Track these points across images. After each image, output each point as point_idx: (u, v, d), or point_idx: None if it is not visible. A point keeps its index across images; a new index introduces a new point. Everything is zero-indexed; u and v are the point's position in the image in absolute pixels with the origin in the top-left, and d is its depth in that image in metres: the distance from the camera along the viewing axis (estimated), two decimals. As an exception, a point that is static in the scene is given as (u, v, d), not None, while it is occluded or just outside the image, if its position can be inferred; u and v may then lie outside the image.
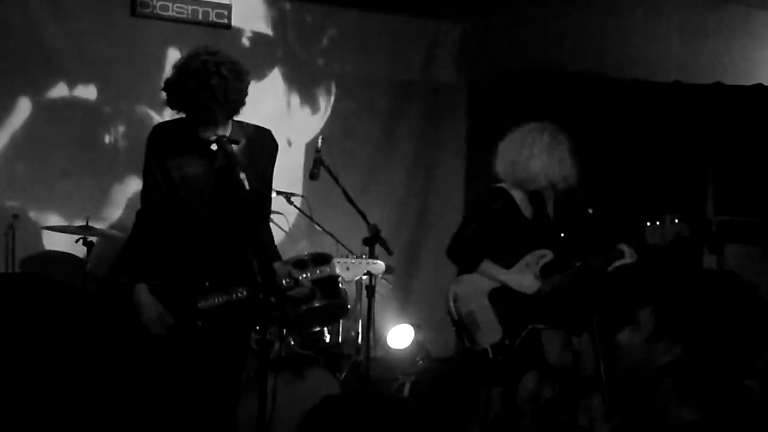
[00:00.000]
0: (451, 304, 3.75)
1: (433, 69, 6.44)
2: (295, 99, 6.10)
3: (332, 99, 6.19)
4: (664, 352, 1.73)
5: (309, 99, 6.14)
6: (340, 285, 4.46)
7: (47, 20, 5.34)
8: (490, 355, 3.66)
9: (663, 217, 3.72)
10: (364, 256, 3.46)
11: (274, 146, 3.40)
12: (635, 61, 6.89)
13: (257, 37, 5.94)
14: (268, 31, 5.99)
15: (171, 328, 3.21)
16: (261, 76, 5.88)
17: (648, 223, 3.70)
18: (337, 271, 3.32)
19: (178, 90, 3.10)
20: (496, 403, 3.81)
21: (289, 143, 6.02)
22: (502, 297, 3.71)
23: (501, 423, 3.87)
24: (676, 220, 3.69)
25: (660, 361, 1.74)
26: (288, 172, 5.82)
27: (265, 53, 5.95)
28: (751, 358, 1.74)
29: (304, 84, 6.11)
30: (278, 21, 6.01)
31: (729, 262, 5.65)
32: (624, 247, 3.71)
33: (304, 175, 5.81)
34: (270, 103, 5.88)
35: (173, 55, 5.58)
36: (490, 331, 3.68)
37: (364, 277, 4.05)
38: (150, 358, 3.25)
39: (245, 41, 5.92)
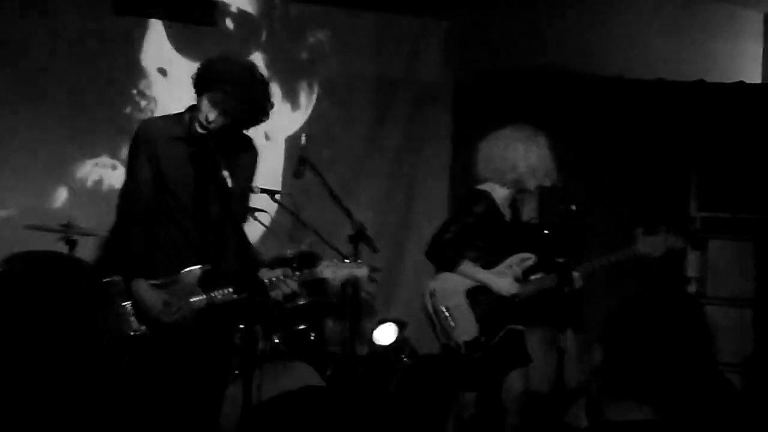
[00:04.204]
0: (428, 299, 3.76)
1: (418, 67, 6.43)
2: (277, 92, 6.07)
3: (314, 96, 6.17)
4: (632, 410, 1.73)
5: (291, 93, 6.10)
6: (326, 283, 4.46)
7: (27, 14, 5.29)
8: (463, 351, 3.67)
9: (657, 228, 3.73)
10: (347, 260, 3.46)
11: (254, 154, 3.43)
12: (618, 58, 6.92)
13: (242, 17, 5.89)
14: (252, 11, 5.95)
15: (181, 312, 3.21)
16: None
17: (641, 233, 3.71)
18: (324, 274, 3.33)
19: (252, 89, 3.16)
20: (469, 404, 3.82)
21: (267, 137, 5.98)
22: (480, 295, 3.72)
23: (479, 423, 3.88)
24: (671, 232, 3.70)
25: (627, 417, 1.72)
26: (266, 166, 5.79)
27: (248, 36, 5.90)
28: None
29: (286, 77, 6.07)
30: (265, 11, 5.98)
31: (712, 258, 5.70)
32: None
33: (284, 171, 5.78)
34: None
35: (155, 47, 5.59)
36: (465, 328, 3.69)
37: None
38: (139, 356, 3.25)
39: (229, 23, 5.88)
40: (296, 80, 6.12)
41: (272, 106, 3.28)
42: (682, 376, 1.69)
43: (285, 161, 5.91)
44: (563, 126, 5.98)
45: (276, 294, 3.24)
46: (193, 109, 3.28)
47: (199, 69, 3.21)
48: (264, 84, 3.25)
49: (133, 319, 3.24)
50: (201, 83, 3.17)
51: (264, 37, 5.99)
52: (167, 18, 5.60)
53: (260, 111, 3.22)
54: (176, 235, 3.28)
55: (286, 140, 6.01)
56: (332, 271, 3.35)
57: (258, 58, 5.93)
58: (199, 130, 3.18)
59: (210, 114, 3.14)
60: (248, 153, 3.40)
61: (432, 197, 6.44)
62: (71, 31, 5.38)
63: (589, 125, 6.22)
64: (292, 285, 3.23)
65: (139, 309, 3.22)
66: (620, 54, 6.97)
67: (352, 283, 4.04)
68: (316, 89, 6.17)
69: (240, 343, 4.21)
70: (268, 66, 5.98)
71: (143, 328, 3.24)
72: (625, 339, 1.72)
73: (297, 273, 3.27)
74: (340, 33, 6.18)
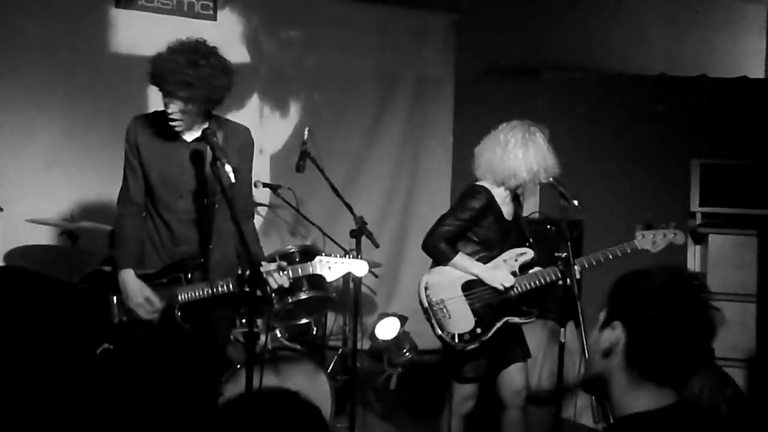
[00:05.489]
0: (422, 292, 3.75)
1: (420, 61, 6.43)
2: (267, 110, 6.04)
3: (301, 106, 6.12)
4: (608, 337, 1.79)
5: (281, 106, 6.07)
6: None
7: (28, 10, 5.29)
8: (456, 341, 3.67)
9: (656, 225, 3.72)
10: (348, 256, 3.42)
11: (251, 144, 3.43)
12: (621, 53, 6.92)
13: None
14: (247, 58, 5.89)
15: (161, 313, 3.22)
16: (240, 105, 5.74)
17: (640, 230, 3.70)
18: (318, 270, 3.30)
19: (166, 62, 3.13)
20: (468, 398, 3.82)
21: (261, 151, 5.98)
22: (476, 288, 3.72)
23: (478, 417, 3.88)
24: (671, 229, 3.70)
25: (605, 344, 1.79)
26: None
27: (245, 83, 5.85)
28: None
29: (278, 94, 6.02)
30: (256, 53, 5.93)
31: (712, 252, 5.70)
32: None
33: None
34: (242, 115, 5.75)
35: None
36: (460, 321, 3.69)
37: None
38: (131, 348, 3.26)
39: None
40: (287, 94, 6.08)
41: (227, 72, 3.22)
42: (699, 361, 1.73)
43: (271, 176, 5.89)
44: (565, 121, 5.99)
45: (271, 284, 3.22)
46: None
47: (149, 67, 3.20)
48: (208, 58, 3.17)
49: (118, 309, 3.29)
50: (153, 81, 3.20)
51: (260, 75, 5.94)
52: (167, 13, 5.59)
53: (210, 88, 3.17)
54: (158, 226, 3.32)
55: (271, 157, 6.00)
56: (327, 268, 3.32)
57: (255, 98, 5.89)
58: (171, 123, 3.20)
59: (169, 106, 3.18)
60: (244, 145, 3.41)
61: (433, 192, 6.44)
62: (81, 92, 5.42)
63: (591, 120, 6.21)
64: (281, 280, 3.21)
65: (122, 299, 3.27)
66: (622, 49, 6.97)
67: (353, 278, 4.04)
68: (303, 98, 6.14)
69: (242, 339, 4.23)
70: (263, 90, 5.95)
71: (125, 319, 3.29)
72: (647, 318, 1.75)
73: (289, 270, 3.24)
74: (342, 25, 6.17)
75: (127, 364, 3.29)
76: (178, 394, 3.30)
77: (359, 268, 3.38)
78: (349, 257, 3.38)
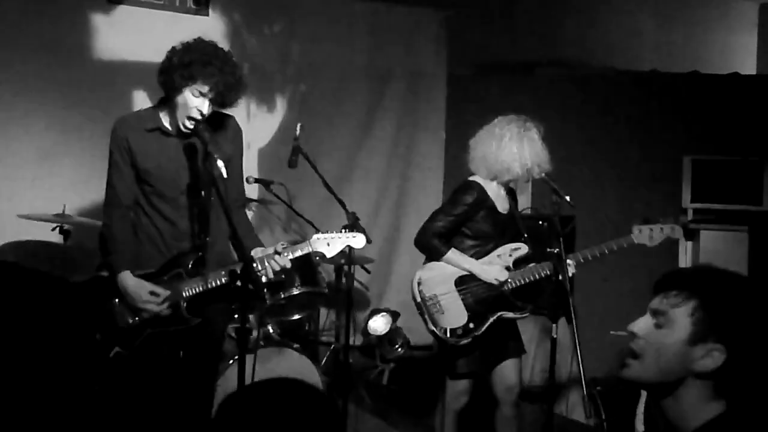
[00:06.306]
0: (416, 288, 3.76)
1: (413, 57, 6.42)
2: (254, 105, 6.01)
3: (286, 101, 6.09)
4: (702, 357, 1.60)
5: (267, 101, 6.04)
6: (319, 273, 4.47)
7: (23, 4, 5.27)
8: (448, 336, 3.68)
9: (653, 219, 3.73)
10: (343, 230, 3.38)
11: (239, 133, 3.42)
12: (613, 49, 6.93)
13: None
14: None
15: (169, 306, 3.22)
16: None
17: (637, 224, 3.71)
18: (317, 247, 3.28)
19: (178, 64, 3.12)
20: (462, 393, 3.82)
21: (248, 146, 5.95)
22: (469, 284, 3.72)
23: (471, 412, 3.88)
24: (668, 223, 3.70)
25: (697, 367, 1.60)
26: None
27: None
28: None
29: (261, 88, 5.96)
30: (237, 34, 5.87)
31: (704, 248, 5.72)
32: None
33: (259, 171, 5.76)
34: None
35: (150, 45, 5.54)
36: (453, 316, 3.70)
37: (344, 267, 4.01)
38: (142, 350, 3.25)
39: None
40: (272, 89, 6.05)
41: (239, 80, 3.27)
42: None
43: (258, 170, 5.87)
44: (557, 117, 6.00)
45: (266, 271, 3.21)
46: (166, 105, 3.27)
47: (169, 66, 3.16)
48: (230, 56, 3.25)
49: (123, 313, 3.26)
50: (179, 79, 3.14)
51: (245, 71, 5.88)
52: (162, 9, 5.56)
53: (241, 84, 3.23)
54: (159, 224, 3.30)
55: (259, 151, 5.98)
56: (326, 244, 3.31)
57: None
58: (190, 124, 3.17)
59: (203, 106, 3.15)
60: (234, 133, 3.41)
61: (426, 188, 6.44)
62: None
63: (582, 116, 6.22)
64: (282, 261, 3.21)
65: (127, 302, 3.23)
66: (614, 45, 6.98)
67: (345, 273, 4.03)
68: (289, 92, 6.12)
69: (234, 334, 4.23)
70: (248, 85, 5.88)
71: (137, 319, 3.25)
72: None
73: (289, 253, 3.24)
74: (335, 21, 6.15)
75: (139, 366, 3.27)
76: (180, 389, 3.30)
77: (357, 241, 3.35)
78: (346, 231, 3.36)
